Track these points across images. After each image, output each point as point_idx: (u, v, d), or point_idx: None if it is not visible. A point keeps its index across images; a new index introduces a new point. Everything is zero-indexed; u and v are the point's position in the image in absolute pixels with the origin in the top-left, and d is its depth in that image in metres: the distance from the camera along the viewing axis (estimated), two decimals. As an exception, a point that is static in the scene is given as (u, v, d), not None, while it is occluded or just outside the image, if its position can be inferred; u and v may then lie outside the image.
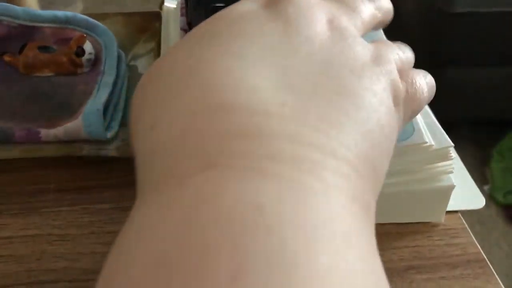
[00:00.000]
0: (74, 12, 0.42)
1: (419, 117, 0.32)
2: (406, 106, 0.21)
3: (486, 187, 1.34)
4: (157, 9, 0.47)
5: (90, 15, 0.43)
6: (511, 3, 1.12)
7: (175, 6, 0.46)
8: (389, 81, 0.19)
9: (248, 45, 0.18)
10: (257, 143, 0.15)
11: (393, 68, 0.20)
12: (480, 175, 1.38)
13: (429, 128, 0.31)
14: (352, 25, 0.21)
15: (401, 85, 0.20)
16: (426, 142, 0.30)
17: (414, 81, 0.22)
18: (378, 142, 0.18)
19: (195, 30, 0.20)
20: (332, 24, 0.20)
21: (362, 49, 0.19)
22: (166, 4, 0.47)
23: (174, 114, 0.17)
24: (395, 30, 0.44)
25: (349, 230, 0.15)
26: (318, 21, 0.19)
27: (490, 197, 1.32)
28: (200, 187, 0.14)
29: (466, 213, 0.34)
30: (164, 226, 0.14)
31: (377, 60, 0.20)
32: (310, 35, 0.19)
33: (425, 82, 0.23)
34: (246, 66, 0.17)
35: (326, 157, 0.15)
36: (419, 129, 0.31)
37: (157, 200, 0.15)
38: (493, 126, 1.46)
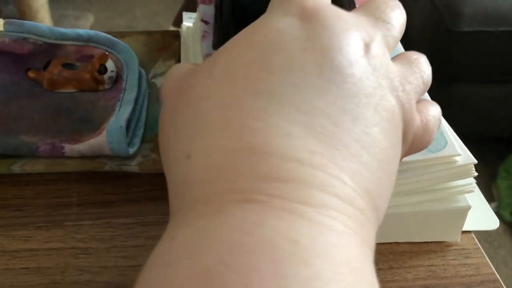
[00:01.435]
0: (96, 31, 0.43)
1: (449, 130, 0.33)
2: (417, 139, 0.22)
3: (492, 205, 1.35)
4: (168, 23, 0.49)
5: (111, 33, 0.44)
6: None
7: (191, 25, 0.47)
8: (403, 124, 0.20)
9: (278, 83, 0.18)
10: (290, 188, 0.17)
11: (413, 104, 0.21)
12: (486, 192, 1.38)
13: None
14: (385, 48, 0.21)
15: (416, 120, 0.21)
16: (460, 154, 0.31)
17: (427, 113, 0.23)
18: (383, 188, 0.19)
19: (224, 53, 0.20)
20: (367, 49, 0.20)
21: (389, 83, 0.20)
22: (184, 23, 0.48)
23: (210, 148, 0.18)
24: (404, 47, 0.45)
25: (363, 268, 0.17)
26: (353, 47, 0.19)
27: (497, 214, 1.32)
28: (242, 217, 0.16)
29: (473, 231, 0.35)
30: (209, 246, 0.15)
31: (401, 98, 0.20)
32: (342, 66, 0.19)
33: (436, 112, 0.23)
34: (276, 109, 0.18)
35: (347, 205, 0.17)
36: (452, 142, 0.32)
37: (199, 222, 0.17)
38: (500, 143, 1.46)
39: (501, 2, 1.14)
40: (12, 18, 0.43)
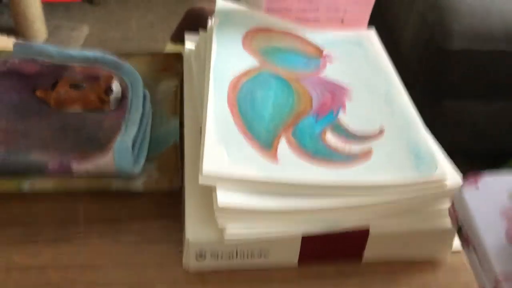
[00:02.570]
0: (102, 53, 0.45)
1: (439, 153, 0.37)
2: None
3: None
4: (163, 34, 0.50)
5: (116, 54, 0.46)
6: (504, 44, 1.16)
7: (193, 47, 0.49)
8: None
9: None
10: None
11: None
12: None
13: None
14: None
15: None
16: (449, 178, 0.33)
17: None
18: None
19: None
20: None
21: None
22: (187, 45, 0.50)
23: None
24: (396, 66, 0.47)
25: None
26: None
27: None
28: None
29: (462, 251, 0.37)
30: None
31: None
32: None
33: None
34: None
35: None
36: (442, 166, 0.34)
37: None
38: (491, 157, 1.49)
39: (490, 21, 1.17)
40: (7, 29, 0.44)
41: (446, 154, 0.38)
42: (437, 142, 0.39)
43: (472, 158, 1.52)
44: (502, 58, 1.18)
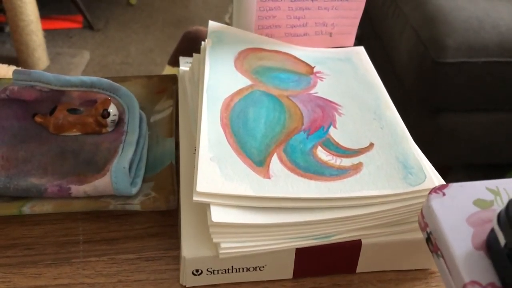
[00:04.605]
0: (99, 77, 0.46)
1: (428, 165, 0.37)
2: None
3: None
4: (161, 59, 0.51)
5: (112, 78, 0.47)
6: (498, 54, 1.18)
7: (188, 69, 0.50)
8: None
9: None
10: None
11: None
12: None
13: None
14: None
15: None
16: None
17: None
18: None
19: None
20: None
21: None
22: (181, 67, 0.51)
23: None
24: (392, 79, 0.48)
25: None
26: None
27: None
28: None
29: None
30: None
31: None
32: None
33: None
34: None
35: None
36: (430, 176, 0.35)
37: None
38: (488, 169, 1.49)
39: (482, 34, 1.19)
40: (9, 58, 0.46)
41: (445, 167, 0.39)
42: (436, 155, 0.40)
43: (473, 170, 1.52)
44: (497, 69, 1.19)
